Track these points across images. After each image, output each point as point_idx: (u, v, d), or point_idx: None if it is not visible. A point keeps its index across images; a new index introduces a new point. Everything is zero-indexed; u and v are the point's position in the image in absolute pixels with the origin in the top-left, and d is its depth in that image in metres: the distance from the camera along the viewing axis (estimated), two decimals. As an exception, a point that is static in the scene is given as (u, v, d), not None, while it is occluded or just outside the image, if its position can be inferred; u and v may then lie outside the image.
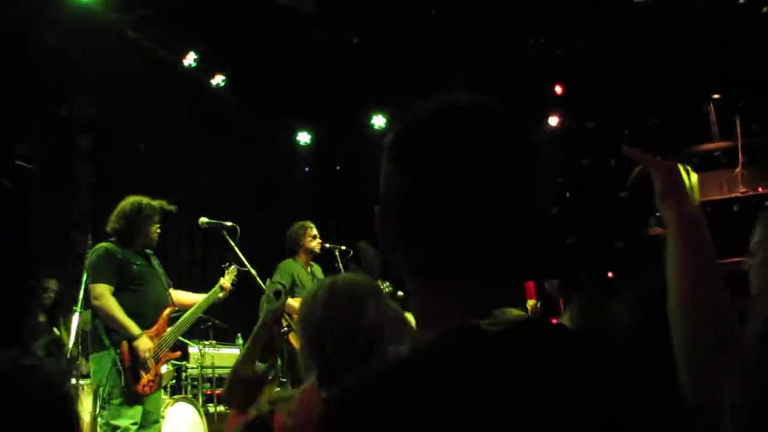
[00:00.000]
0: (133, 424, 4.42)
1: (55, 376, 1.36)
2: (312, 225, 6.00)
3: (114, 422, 4.34)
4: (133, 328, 4.46)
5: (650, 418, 0.82)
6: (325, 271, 6.02)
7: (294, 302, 5.31)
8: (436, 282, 0.89)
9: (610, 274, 9.50)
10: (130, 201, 4.71)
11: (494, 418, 0.75)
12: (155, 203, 4.75)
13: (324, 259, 6.19)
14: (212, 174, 8.62)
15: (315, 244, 5.92)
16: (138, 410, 4.51)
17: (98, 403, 4.43)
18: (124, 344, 4.42)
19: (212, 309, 6.79)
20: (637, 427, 0.81)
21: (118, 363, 4.39)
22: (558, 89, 8.90)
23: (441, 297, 0.88)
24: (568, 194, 9.86)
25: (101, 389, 4.38)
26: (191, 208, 6.09)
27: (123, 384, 4.38)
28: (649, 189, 1.34)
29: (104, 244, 4.64)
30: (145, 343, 4.47)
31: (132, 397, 4.45)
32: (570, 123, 9.32)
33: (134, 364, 4.43)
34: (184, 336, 6.02)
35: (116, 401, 4.37)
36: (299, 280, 5.72)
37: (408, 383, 0.78)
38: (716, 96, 8.85)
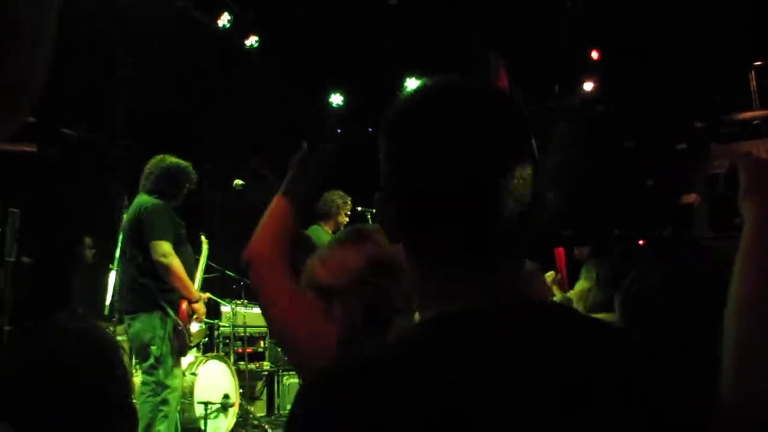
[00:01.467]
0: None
1: (105, 337, 1.41)
2: (349, 200, 5.97)
3: (167, 381, 4.34)
4: (194, 290, 4.50)
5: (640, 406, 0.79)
6: None
7: None
8: (429, 265, 0.91)
9: (641, 242, 9.44)
10: (171, 161, 4.67)
11: (464, 408, 0.76)
12: (190, 165, 4.76)
13: (356, 221, 6.20)
14: (245, 135, 8.66)
15: (346, 220, 5.93)
16: (181, 370, 4.62)
17: (146, 361, 4.36)
18: (184, 304, 4.43)
19: (244, 268, 6.91)
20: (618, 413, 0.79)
21: (178, 323, 4.39)
22: (594, 54, 8.75)
23: (433, 281, 0.90)
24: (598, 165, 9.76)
25: (153, 347, 4.32)
26: (223, 169, 6.14)
27: (177, 344, 4.40)
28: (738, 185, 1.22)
29: (158, 201, 4.52)
30: (202, 306, 4.54)
31: (180, 357, 4.53)
32: (606, 91, 9.18)
33: (188, 326, 4.48)
34: (215, 295, 6.13)
35: (170, 361, 4.37)
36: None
37: (381, 371, 0.80)
38: (758, 63, 8.65)
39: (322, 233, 5.72)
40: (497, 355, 0.79)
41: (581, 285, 3.83)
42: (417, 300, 0.94)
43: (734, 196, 1.21)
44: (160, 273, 4.37)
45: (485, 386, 0.77)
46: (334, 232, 5.86)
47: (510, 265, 0.90)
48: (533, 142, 0.92)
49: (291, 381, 7.26)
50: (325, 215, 5.87)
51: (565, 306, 0.87)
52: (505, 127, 0.90)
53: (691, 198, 10.17)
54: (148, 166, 4.68)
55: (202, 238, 5.42)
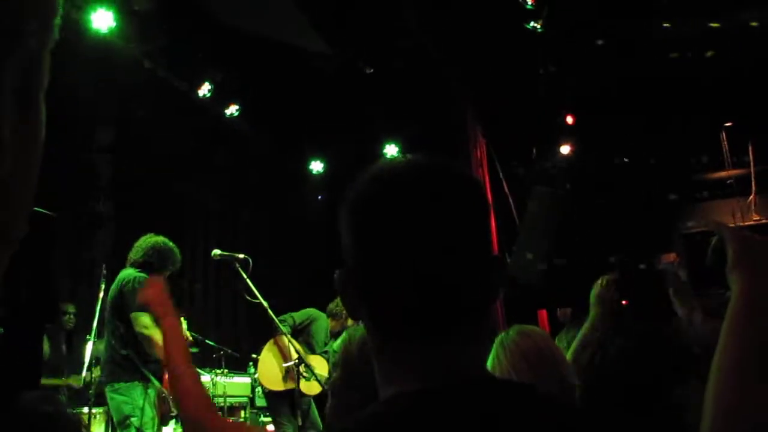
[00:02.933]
0: None
1: (73, 424, 1.39)
2: None
3: None
4: None
5: None
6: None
7: (312, 357, 5.50)
8: (390, 343, 0.91)
9: (624, 302, 9.43)
10: (159, 240, 4.85)
11: None
12: (176, 249, 4.93)
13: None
14: (226, 203, 8.68)
15: (348, 325, 6.03)
16: None
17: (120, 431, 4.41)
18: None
19: (224, 338, 6.85)
20: None
21: (161, 390, 4.43)
22: (569, 119, 8.91)
23: (392, 358, 0.91)
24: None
25: (134, 419, 4.37)
26: (205, 236, 6.15)
27: (161, 411, 4.45)
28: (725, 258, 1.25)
29: (142, 274, 4.62)
30: None
31: (162, 426, 4.55)
32: (580, 153, 9.33)
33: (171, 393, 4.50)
34: (195, 364, 6.06)
35: (152, 431, 4.40)
36: (314, 331, 5.87)
37: None
38: (728, 123, 8.85)
39: (322, 321, 6.03)
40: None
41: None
42: (378, 377, 0.94)
43: (721, 267, 1.23)
44: (142, 344, 4.45)
45: None
46: (334, 332, 6.05)
47: (470, 337, 0.90)
48: (492, 216, 0.94)
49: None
50: (335, 316, 6.10)
51: (524, 384, 0.87)
52: (463, 206, 0.91)
53: (671, 258, 10.25)
54: (137, 242, 4.83)
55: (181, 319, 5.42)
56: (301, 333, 5.79)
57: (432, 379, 0.85)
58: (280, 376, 5.70)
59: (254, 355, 6.88)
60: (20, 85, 0.49)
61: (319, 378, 4.97)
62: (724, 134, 8.80)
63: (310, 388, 5.61)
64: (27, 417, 1.33)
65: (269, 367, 5.76)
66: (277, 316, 5.05)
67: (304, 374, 5.16)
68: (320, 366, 5.68)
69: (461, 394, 0.84)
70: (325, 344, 6.08)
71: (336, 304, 6.08)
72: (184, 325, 5.29)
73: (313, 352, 5.93)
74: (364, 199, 0.95)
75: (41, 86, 0.55)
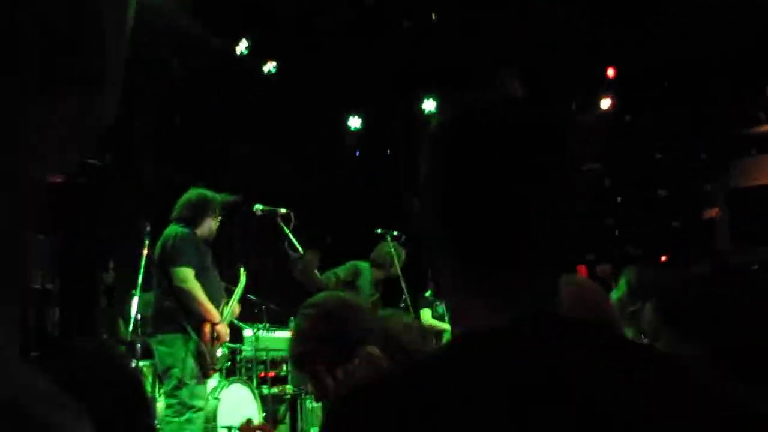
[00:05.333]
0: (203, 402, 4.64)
1: (127, 365, 1.44)
2: (403, 252, 6.03)
3: (191, 402, 4.47)
4: (216, 313, 4.62)
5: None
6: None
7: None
8: (468, 273, 0.91)
9: (663, 258, 9.37)
10: (196, 192, 4.86)
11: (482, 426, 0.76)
12: (218, 197, 4.90)
13: (377, 243, 6.24)
14: (265, 160, 8.73)
15: (398, 274, 5.98)
16: (206, 390, 4.70)
17: (169, 383, 4.51)
18: (207, 326, 4.55)
19: (266, 292, 6.92)
20: None
21: (200, 345, 4.51)
22: (610, 72, 8.75)
23: (467, 294, 0.91)
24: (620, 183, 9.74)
25: (175, 370, 4.47)
26: (244, 193, 6.18)
27: (200, 365, 4.52)
28: None
29: (182, 228, 4.69)
30: (225, 329, 4.67)
31: (204, 378, 4.63)
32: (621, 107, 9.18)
33: (211, 347, 4.57)
34: (238, 319, 6.17)
35: (193, 382, 4.49)
36: (360, 285, 5.84)
37: (404, 388, 0.81)
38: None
39: (365, 271, 5.96)
40: (523, 377, 0.79)
41: (614, 295, 3.79)
42: (449, 313, 0.95)
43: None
44: (180, 297, 4.52)
45: (506, 408, 0.77)
46: (378, 278, 5.99)
47: (546, 280, 0.90)
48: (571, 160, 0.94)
49: (314, 404, 7.23)
50: (376, 264, 6.05)
51: (599, 325, 0.85)
52: (548, 144, 0.92)
53: (713, 212, 10.13)
54: (179, 199, 4.88)
55: (241, 270, 5.49)
56: (347, 287, 5.77)
57: (508, 316, 0.85)
58: None
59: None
60: None
61: None
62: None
63: None
64: (89, 363, 1.37)
65: None
66: (321, 273, 5.06)
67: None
68: None
69: (537, 334, 0.84)
70: (371, 295, 6.04)
71: (380, 254, 6.01)
72: (243, 277, 5.40)
73: None
74: (455, 124, 0.95)
75: None
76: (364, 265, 5.97)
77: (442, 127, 0.96)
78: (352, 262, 6.04)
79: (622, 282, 3.67)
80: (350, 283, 5.85)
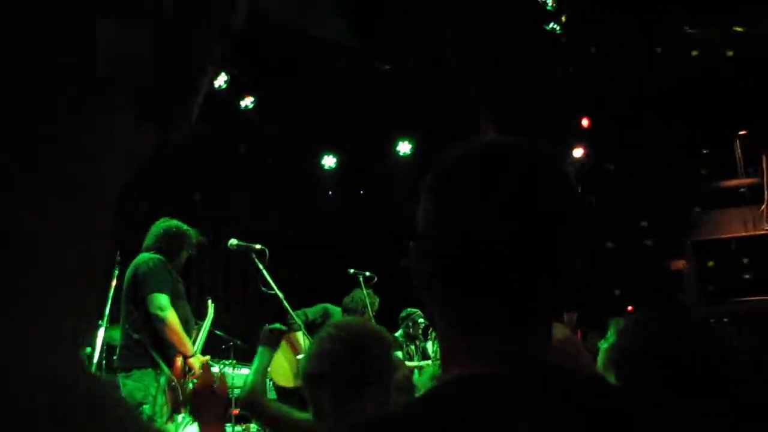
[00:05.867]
0: None
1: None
2: (377, 300, 5.97)
3: None
4: (190, 345, 4.41)
5: None
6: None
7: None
8: (460, 323, 0.89)
9: (629, 308, 9.43)
10: (173, 224, 4.70)
11: None
12: (193, 232, 4.77)
13: (349, 284, 6.20)
14: (237, 195, 8.70)
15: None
16: (175, 428, 4.52)
17: None
18: (179, 360, 4.35)
19: (233, 329, 6.85)
20: None
21: (172, 379, 4.30)
22: (585, 122, 8.90)
23: (463, 339, 0.89)
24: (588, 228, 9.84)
25: (146, 407, 4.24)
26: (216, 229, 6.15)
27: (171, 401, 4.31)
28: None
29: (155, 256, 4.49)
30: (198, 361, 4.42)
31: (174, 414, 4.45)
32: (593, 157, 9.32)
33: (182, 382, 4.36)
34: (203, 354, 6.08)
35: (161, 420, 4.28)
36: None
37: (403, 428, 0.80)
38: (742, 132, 8.83)
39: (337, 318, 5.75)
40: (520, 422, 0.79)
41: (603, 344, 3.81)
42: (444, 354, 0.92)
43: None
44: (155, 326, 4.29)
45: None
46: None
47: (543, 330, 0.89)
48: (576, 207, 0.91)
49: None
50: (351, 311, 5.89)
51: (592, 375, 0.85)
52: (553, 192, 0.89)
53: (680, 264, 10.26)
54: (151, 228, 4.72)
55: (209, 302, 5.39)
56: (314, 329, 5.68)
57: (503, 362, 0.84)
58: (291, 372, 5.58)
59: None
60: None
61: None
62: (738, 143, 8.78)
63: None
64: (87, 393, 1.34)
65: (281, 363, 5.62)
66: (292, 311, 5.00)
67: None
68: None
69: (530, 381, 0.83)
70: None
71: (351, 299, 5.91)
72: (211, 310, 5.27)
73: None
74: (454, 170, 0.92)
75: None
76: (335, 309, 5.89)
77: (443, 170, 0.93)
78: (323, 305, 5.93)
79: (612, 332, 3.72)
80: (320, 324, 5.76)
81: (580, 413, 0.81)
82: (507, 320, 0.87)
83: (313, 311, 5.73)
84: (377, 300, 5.92)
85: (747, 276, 9.08)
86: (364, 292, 5.88)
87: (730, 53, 7.56)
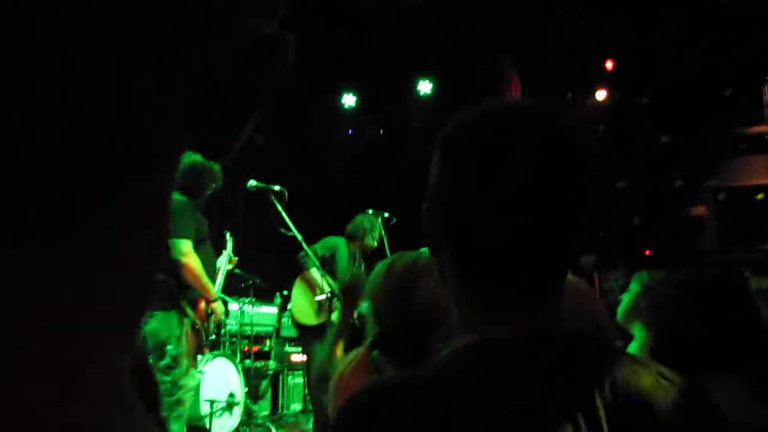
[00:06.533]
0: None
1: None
2: (379, 224, 5.83)
3: (183, 382, 4.24)
4: (213, 290, 4.40)
5: None
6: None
7: (315, 275, 5.40)
8: (470, 286, 0.90)
9: (647, 252, 9.42)
10: (199, 160, 4.42)
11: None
12: (218, 167, 4.59)
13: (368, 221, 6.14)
14: (256, 135, 8.68)
15: (374, 245, 5.79)
16: (197, 370, 4.57)
17: (163, 361, 4.21)
18: (202, 304, 4.35)
19: (253, 268, 6.91)
20: None
21: (196, 322, 4.32)
22: (609, 64, 8.74)
23: (475, 305, 0.89)
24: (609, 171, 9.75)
25: (170, 347, 4.21)
26: (236, 169, 6.14)
27: (194, 344, 4.33)
28: None
29: (182, 197, 4.34)
30: (220, 306, 4.44)
31: (196, 357, 4.47)
32: (618, 98, 9.18)
33: (206, 325, 4.40)
34: (224, 292, 6.17)
35: (186, 361, 4.27)
36: (338, 260, 5.66)
37: (408, 398, 0.81)
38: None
39: (341, 246, 5.70)
40: (530, 388, 0.80)
41: (626, 296, 3.81)
42: (455, 317, 0.92)
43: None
44: (178, 271, 4.25)
45: (511, 417, 0.77)
46: (357, 255, 5.76)
47: (554, 288, 0.89)
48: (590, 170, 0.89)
49: (295, 381, 7.28)
50: (350, 237, 5.79)
51: (601, 340, 0.85)
52: (565, 156, 0.87)
53: (700, 210, 10.18)
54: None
55: (227, 236, 5.39)
56: (325, 264, 5.57)
57: (514, 327, 0.84)
58: (312, 310, 5.55)
59: (285, 292, 6.87)
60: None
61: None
62: (766, 88, 8.60)
63: None
64: None
65: (302, 302, 5.61)
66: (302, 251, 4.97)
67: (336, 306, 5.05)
68: None
69: (538, 348, 0.83)
70: (351, 269, 5.78)
71: (353, 225, 5.79)
72: (230, 245, 5.30)
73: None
74: (467, 130, 0.91)
75: None
76: (339, 240, 5.78)
77: (454, 134, 0.92)
78: (327, 238, 5.76)
79: (634, 285, 3.70)
80: (329, 259, 5.67)
81: (590, 379, 0.81)
82: (517, 287, 0.87)
83: (321, 248, 5.62)
84: (378, 224, 5.82)
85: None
86: (365, 217, 5.77)
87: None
